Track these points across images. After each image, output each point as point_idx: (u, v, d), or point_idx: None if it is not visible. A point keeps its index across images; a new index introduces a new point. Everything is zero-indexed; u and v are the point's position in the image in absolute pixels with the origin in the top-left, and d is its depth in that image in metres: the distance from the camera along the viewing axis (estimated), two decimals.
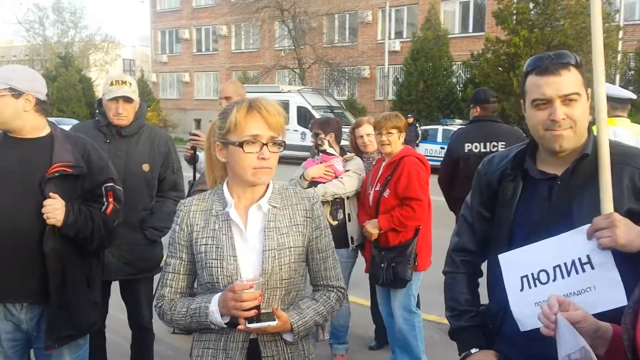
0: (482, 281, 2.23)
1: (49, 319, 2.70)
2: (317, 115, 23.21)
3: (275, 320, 1.92)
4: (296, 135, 23.18)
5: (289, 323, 1.99)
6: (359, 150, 4.83)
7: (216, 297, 1.96)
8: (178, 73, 39.77)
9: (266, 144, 1.97)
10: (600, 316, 1.65)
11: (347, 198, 4.45)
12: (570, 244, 1.82)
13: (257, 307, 1.91)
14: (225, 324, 1.96)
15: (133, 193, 3.66)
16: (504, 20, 21.52)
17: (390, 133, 4.22)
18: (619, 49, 21.05)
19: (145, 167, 3.73)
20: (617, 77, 21.25)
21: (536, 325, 1.73)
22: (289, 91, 25.19)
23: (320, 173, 4.51)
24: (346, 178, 4.44)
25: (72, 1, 49.40)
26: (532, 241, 1.90)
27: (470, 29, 28.93)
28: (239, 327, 1.92)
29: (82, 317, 2.79)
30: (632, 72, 23.02)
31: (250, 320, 1.90)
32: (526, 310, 1.87)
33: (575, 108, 1.87)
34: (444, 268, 2.27)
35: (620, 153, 1.91)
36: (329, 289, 2.17)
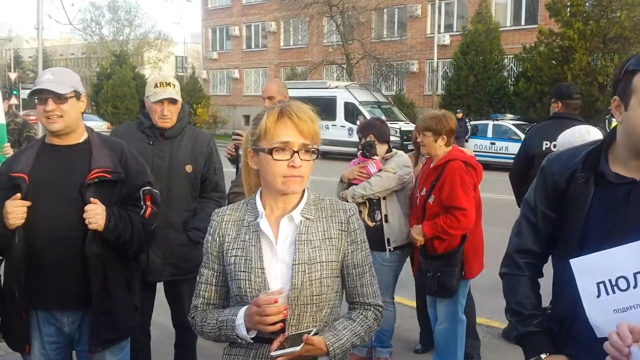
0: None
1: (90, 324, 2.73)
2: (364, 110, 23.13)
3: (300, 344, 1.84)
4: (343, 131, 23.14)
5: (324, 345, 1.90)
6: (419, 148, 4.64)
7: (242, 311, 1.91)
8: (228, 70, 40.24)
9: (297, 152, 1.89)
10: None
11: (384, 199, 4.36)
12: None
13: (284, 321, 1.85)
14: (252, 338, 1.91)
15: (176, 194, 3.70)
16: (557, 12, 20.91)
17: (423, 134, 4.11)
18: None
19: (188, 168, 3.74)
20: None
21: None
22: (337, 87, 25.13)
23: (355, 174, 4.45)
24: (375, 179, 4.34)
25: (127, 0, 50.58)
26: (606, 247, 1.80)
27: (523, 22, 28.20)
28: (271, 353, 1.86)
29: (122, 321, 2.81)
30: None
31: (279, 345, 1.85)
32: (604, 317, 1.79)
33: None
34: (503, 269, 2.16)
35: None
36: (366, 307, 2.07)
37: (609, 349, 1.37)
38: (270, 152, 1.89)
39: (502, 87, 25.60)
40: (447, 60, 28.58)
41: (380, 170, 4.39)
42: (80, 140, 2.80)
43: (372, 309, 2.07)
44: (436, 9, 28.67)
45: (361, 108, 23.51)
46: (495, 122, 20.74)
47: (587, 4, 20.55)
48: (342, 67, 31.95)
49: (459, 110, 21.70)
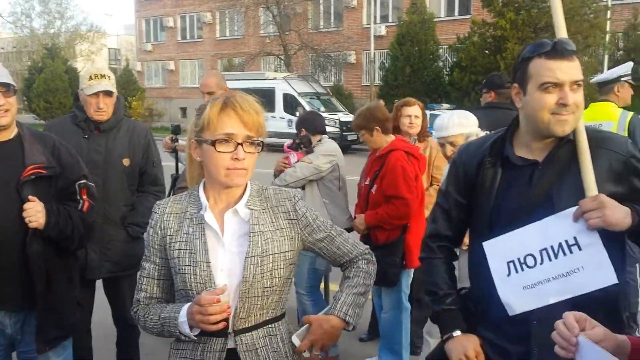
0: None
1: (38, 323, 2.65)
2: (303, 102, 23.09)
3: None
4: (282, 122, 23.03)
5: (334, 319, 1.98)
6: (399, 130, 4.65)
7: (185, 308, 1.87)
8: (163, 61, 39.33)
9: (241, 144, 1.86)
10: (589, 298, 1.80)
11: (303, 188, 4.41)
12: (555, 227, 1.87)
13: (227, 320, 1.84)
14: (195, 335, 1.88)
15: (114, 188, 3.61)
16: (490, 2, 21.36)
17: (361, 134, 4.21)
18: (608, 29, 21.03)
19: (126, 161, 3.65)
20: (606, 57, 21.25)
21: (525, 309, 1.89)
22: (275, 78, 24.98)
23: (280, 166, 4.54)
24: (290, 169, 4.41)
25: None
26: (513, 227, 1.93)
27: (456, 12, 28.77)
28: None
29: (68, 317, 2.76)
30: (621, 52, 23.02)
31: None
32: (514, 294, 1.91)
33: (579, 94, 1.91)
34: (421, 254, 2.29)
35: (596, 137, 1.97)
36: (353, 260, 2.12)
37: (557, 339, 1.40)
38: (213, 143, 1.85)
39: (438, 77, 26.05)
40: (383, 50, 28.84)
41: (298, 160, 4.46)
42: (12, 136, 2.69)
43: (360, 257, 2.13)
44: (372, 0, 28.88)
45: (300, 99, 23.46)
46: (432, 112, 21.11)
47: None
48: (280, 58, 31.78)
49: (396, 100, 21.90)
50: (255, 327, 1.94)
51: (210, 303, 1.78)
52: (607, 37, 21.00)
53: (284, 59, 31.02)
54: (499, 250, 1.95)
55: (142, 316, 2.00)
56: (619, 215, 1.81)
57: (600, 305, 1.85)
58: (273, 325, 1.99)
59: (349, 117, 20.73)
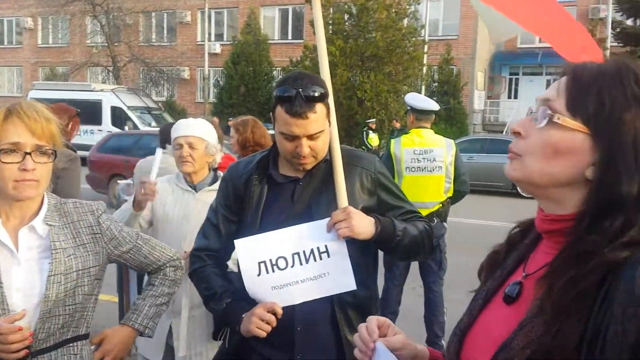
0: None
1: None
2: (133, 116, 22.11)
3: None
4: None
5: (128, 328, 1.93)
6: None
7: None
8: None
9: (30, 153, 1.71)
10: (346, 302, 2.05)
11: None
12: (310, 233, 2.02)
13: (29, 347, 1.71)
14: None
15: None
16: None
17: None
18: (425, 62, 22.82)
19: None
20: (423, 87, 23.02)
21: None
22: (102, 90, 23.63)
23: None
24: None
25: None
26: None
27: (290, 36, 29.54)
28: None
29: None
30: (436, 83, 25.12)
31: None
32: (263, 294, 2.01)
33: (318, 141, 2.06)
34: (190, 269, 2.30)
35: (349, 156, 2.19)
36: (161, 267, 2.12)
37: (357, 342, 1.37)
38: None
39: (272, 98, 26.46)
40: (218, 68, 28.72)
41: None
42: None
43: (167, 265, 2.14)
44: (206, 17, 28.66)
45: (130, 113, 22.43)
46: (270, 132, 21.31)
47: (347, 23, 22.17)
48: (108, 70, 30.26)
49: (230, 119, 21.89)
50: (55, 347, 1.83)
51: (11, 332, 1.64)
52: (424, 69, 22.79)
53: (113, 70, 29.58)
54: (251, 250, 2.03)
55: None
56: (364, 224, 2.00)
57: (355, 308, 2.08)
58: (74, 344, 1.91)
59: None
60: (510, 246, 1.26)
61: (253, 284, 2.02)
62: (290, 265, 2.01)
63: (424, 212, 4.56)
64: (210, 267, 2.25)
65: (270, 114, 2.14)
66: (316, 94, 2.02)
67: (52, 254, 1.79)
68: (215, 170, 3.21)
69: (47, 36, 34.47)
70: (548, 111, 1.06)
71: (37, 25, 34.12)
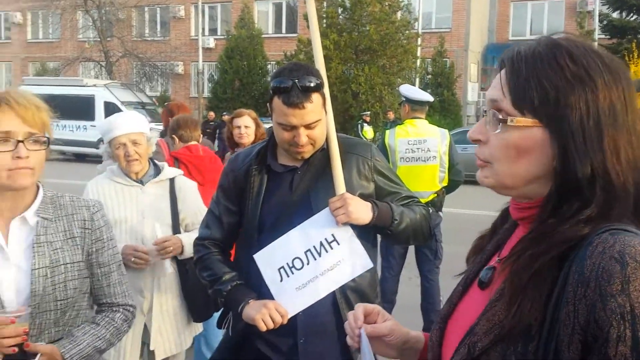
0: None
1: None
2: (126, 111, 22.03)
3: (34, 357, 1.65)
4: None
5: (58, 354, 1.73)
6: (233, 142, 4.60)
7: None
8: None
9: (22, 141, 1.69)
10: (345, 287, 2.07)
11: None
12: (314, 228, 2.06)
13: (20, 345, 1.63)
14: None
15: None
16: None
17: None
18: (418, 54, 22.82)
19: None
20: (417, 80, 23.01)
21: (302, 308, 2.05)
22: (95, 85, 23.53)
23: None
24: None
25: None
26: (278, 228, 2.11)
27: (284, 30, 29.47)
28: None
29: None
30: (430, 76, 25.11)
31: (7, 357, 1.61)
32: (290, 297, 2.04)
33: (315, 130, 2.10)
34: (195, 256, 2.34)
35: (346, 144, 2.22)
36: (114, 308, 1.96)
37: (347, 329, 1.40)
38: None
39: (267, 92, 26.27)
40: (212, 63, 28.61)
41: None
42: None
43: (121, 309, 1.98)
44: (199, 12, 28.54)
45: (123, 108, 22.32)
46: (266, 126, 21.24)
47: (341, 17, 22.14)
48: (101, 65, 30.10)
49: (225, 113, 21.88)
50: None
51: (4, 324, 1.60)
52: (418, 61, 22.80)
53: (106, 65, 29.43)
54: (269, 259, 2.08)
55: None
56: (361, 209, 2.04)
57: (355, 292, 2.12)
58: None
59: None
60: (494, 232, 1.26)
61: (279, 290, 2.06)
62: (306, 263, 2.06)
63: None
64: (215, 255, 2.29)
65: (268, 105, 2.16)
66: (312, 84, 2.05)
67: (34, 247, 1.76)
68: (152, 160, 3.12)
69: (37, 31, 34.24)
70: (499, 115, 1.04)
71: (27, 20, 33.86)
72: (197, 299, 2.99)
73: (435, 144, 4.96)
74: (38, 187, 1.85)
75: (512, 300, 0.97)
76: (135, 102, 23.82)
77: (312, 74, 2.09)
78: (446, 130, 5.20)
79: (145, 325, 2.97)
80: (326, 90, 2.17)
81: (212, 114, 22.53)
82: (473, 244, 1.30)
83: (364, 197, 2.14)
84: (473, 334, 1.02)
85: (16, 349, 1.62)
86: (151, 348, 2.95)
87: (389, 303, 5.02)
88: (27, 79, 25.94)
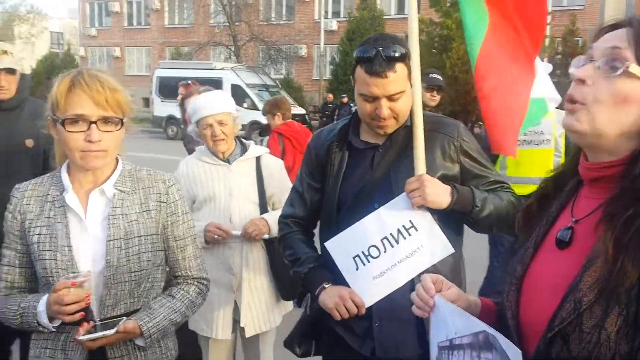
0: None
1: None
2: (251, 93, 22.82)
3: (113, 329, 1.70)
4: None
5: (137, 328, 1.78)
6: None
7: (45, 297, 1.72)
8: (108, 47, 38.21)
9: (95, 122, 1.71)
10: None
11: None
12: (391, 214, 1.98)
13: (86, 309, 1.69)
14: (55, 327, 1.72)
15: (16, 170, 3.39)
16: (437, 2, 21.62)
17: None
18: (547, 33, 21.54)
19: (29, 142, 3.45)
20: (545, 59, 21.76)
21: (379, 298, 1.99)
22: (222, 68, 24.58)
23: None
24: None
25: None
26: (358, 207, 2.06)
27: (406, 10, 28.95)
28: (75, 337, 1.69)
29: None
30: (560, 56, 23.65)
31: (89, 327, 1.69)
32: (366, 286, 1.98)
33: (398, 102, 2.01)
34: (279, 233, 2.38)
35: (431, 122, 2.12)
36: (189, 281, 1.99)
37: (415, 300, 1.44)
38: (63, 123, 1.71)
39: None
40: (334, 45, 28.82)
41: None
42: None
43: (196, 282, 2.00)
44: None
45: (248, 90, 23.17)
46: None
47: None
48: (230, 49, 31.36)
49: (343, 95, 22.07)
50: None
51: (65, 287, 1.65)
52: (547, 41, 21.51)
53: (234, 49, 30.61)
54: (342, 247, 2.02)
55: (2, 306, 1.83)
56: (439, 192, 1.95)
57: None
58: None
59: (299, 110, 20.69)
60: (543, 197, 1.30)
61: (355, 279, 2.01)
62: (383, 251, 1.98)
63: (530, 188, 4.34)
64: (297, 234, 2.30)
65: (351, 77, 2.12)
66: (396, 54, 1.97)
67: (109, 219, 1.80)
68: (239, 138, 3.16)
69: (173, 17, 36.20)
70: (618, 61, 1.05)
71: (164, 7, 35.90)
72: (284, 277, 3.03)
73: (550, 127, 4.66)
74: (117, 160, 1.91)
75: (615, 258, 1.01)
76: (259, 84, 24.61)
77: (398, 43, 2.02)
78: (564, 111, 4.86)
79: (235, 303, 3.05)
80: (414, 64, 2.07)
81: (330, 96, 22.80)
82: (521, 213, 1.35)
83: (447, 178, 2.04)
84: (577, 290, 1.06)
85: (83, 314, 1.68)
86: (241, 324, 3.02)
87: (497, 293, 4.82)
88: (162, 62, 27.60)
